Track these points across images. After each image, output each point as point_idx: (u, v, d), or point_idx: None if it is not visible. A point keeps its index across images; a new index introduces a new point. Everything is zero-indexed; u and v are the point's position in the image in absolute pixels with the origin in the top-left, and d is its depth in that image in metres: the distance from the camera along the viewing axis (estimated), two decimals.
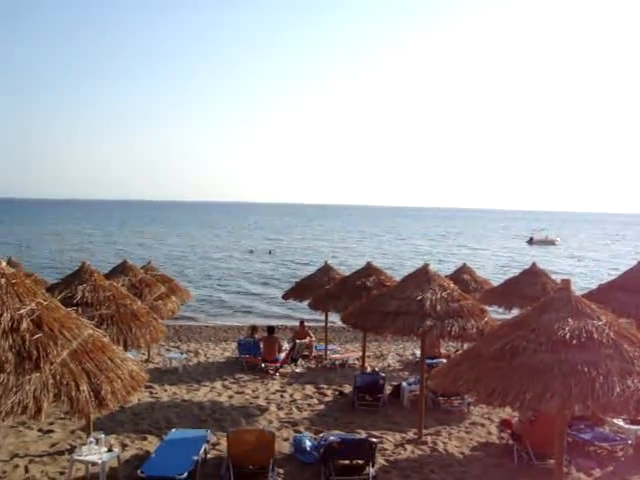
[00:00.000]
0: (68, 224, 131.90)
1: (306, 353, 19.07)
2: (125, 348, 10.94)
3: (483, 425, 13.20)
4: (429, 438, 12.26)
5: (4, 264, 7.19)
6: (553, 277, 19.94)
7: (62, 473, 10.28)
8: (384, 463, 10.95)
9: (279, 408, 14.31)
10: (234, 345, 21.38)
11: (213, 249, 79.76)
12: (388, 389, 15.08)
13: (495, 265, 61.98)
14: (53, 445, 11.64)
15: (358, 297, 16.54)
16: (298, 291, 21.37)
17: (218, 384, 16.42)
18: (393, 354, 21.43)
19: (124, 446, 11.53)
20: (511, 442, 11.45)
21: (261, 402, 14.78)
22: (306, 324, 21.67)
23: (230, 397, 15.20)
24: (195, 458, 9.89)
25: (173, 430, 11.70)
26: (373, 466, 10.22)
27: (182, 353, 19.91)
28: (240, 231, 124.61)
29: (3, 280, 6.94)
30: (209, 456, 10.98)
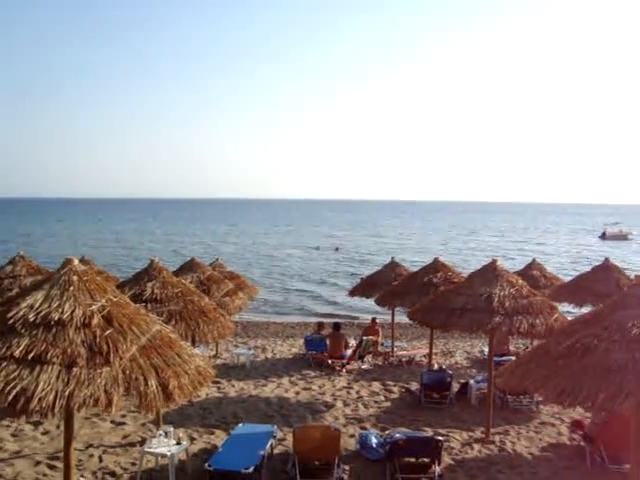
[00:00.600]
0: (129, 223, 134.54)
1: (372, 350, 19.02)
2: (193, 344, 11.11)
3: (553, 425, 12.89)
4: (497, 437, 12.06)
5: (76, 262, 7.40)
6: (627, 273, 19.31)
7: (133, 464, 10.58)
8: (450, 462, 10.83)
9: (345, 404, 14.31)
10: (301, 341, 21.50)
11: (277, 246, 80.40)
12: (455, 387, 14.90)
13: (565, 261, 60.51)
14: (125, 437, 11.97)
15: (425, 293, 16.42)
16: (365, 288, 21.32)
17: (285, 380, 16.53)
18: (461, 351, 21.18)
19: (192, 440, 11.75)
20: (583, 444, 11.14)
21: (327, 398, 14.82)
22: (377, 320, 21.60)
23: (297, 393, 15.29)
24: (261, 453, 9.98)
25: (240, 425, 11.84)
26: (439, 465, 10.11)
27: (249, 349, 20.13)
28: (303, 228, 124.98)
29: (75, 277, 7.14)
30: (275, 451, 11.08)
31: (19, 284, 17.75)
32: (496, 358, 14.28)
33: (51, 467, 10.51)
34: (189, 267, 18.79)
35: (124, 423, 12.65)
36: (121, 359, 6.56)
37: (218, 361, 18.76)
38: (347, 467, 10.50)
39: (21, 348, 6.33)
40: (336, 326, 19.09)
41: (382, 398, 14.86)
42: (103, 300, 7.04)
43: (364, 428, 12.53)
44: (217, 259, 23.37)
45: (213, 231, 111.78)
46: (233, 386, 15.78)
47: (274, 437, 11.12)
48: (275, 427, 11.59)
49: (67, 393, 6.11)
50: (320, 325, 20.95)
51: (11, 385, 6.04)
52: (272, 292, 40.41)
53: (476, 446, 11.63)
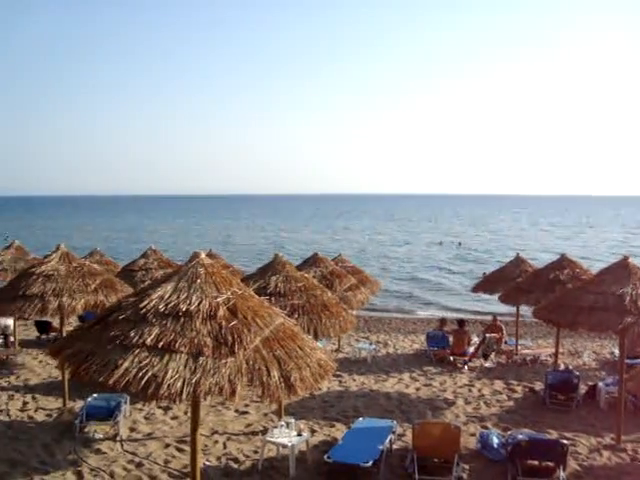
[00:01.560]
0: (243, 220, 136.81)
1: (495, 347, 18.61)
2: (315, 337, 11.28)
3: None
4: (629, 445, 11.44)
5: (203, 255, 7.70)
6: None
7: (255, 452, 10.87)
8: (577, 468, 10.39)
9: (466, 402, 14.09)
10: (423, 337, 21.37)
11: (395, 241, 79.94)
12: (583, 389, 14.33)
13: None
14: (248, 425, 12.33)
15: (551, 291, 15.95)
16: (488, 284, 20.91)
17: (406, 376, 16.48)
18: (589, 352, 20.29)
19: (313, 431, 11.93)
20: None
21: (448, 395, 14.64)
22: (499, 318, 21.16)
23: (417, 389, 15.20)
24: (381, 448, 9.99)
25: (360, 419, 11.91)
26: (564, 470, 9.74)
27: (371, 344, 20.19)
28: (417, 223, 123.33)
29: (202, 270, 7.45)
30: (394, 447, 11.05)
31: (151, 276, 18.74)
32: (628, 360, 13.63)
33: (179, 450, 11.01)
34: (312, 262, 19.10)
35: (247, 412, 13.03)
36: (245, 350, 6.78)
37: (340, 355, 18.94)
38: (467, 466, 10.34)
39: (152, 337, 6.69)
40: (460, 323, 18.83)
41: (504, 397, 14.51)
42: (228, 293, 7.30)
43: (485, 427, 12.29)
44: (340, 254, 23.56)
45: (329, 226, 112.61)
46: (354, 380, 15.89)
47: (394, 432, 11.11)
48: (395, 422, 11.58)
49: (194, 381, 6.40)
50: (443, 321, 20.73)
51: (143, 371, 6.39)
52: (394, 288, 40.27)
53: (605, 453, 11.10)
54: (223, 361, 6.60)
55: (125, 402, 12.21)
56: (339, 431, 11.96)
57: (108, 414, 11.67)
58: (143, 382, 6.34)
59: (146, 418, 12.65)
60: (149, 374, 6.38)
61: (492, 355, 18.29)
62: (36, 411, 13.10)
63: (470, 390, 15.13)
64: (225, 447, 11.21)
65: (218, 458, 10.68)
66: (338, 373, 15.86)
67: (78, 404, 13.05)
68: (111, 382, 6.40)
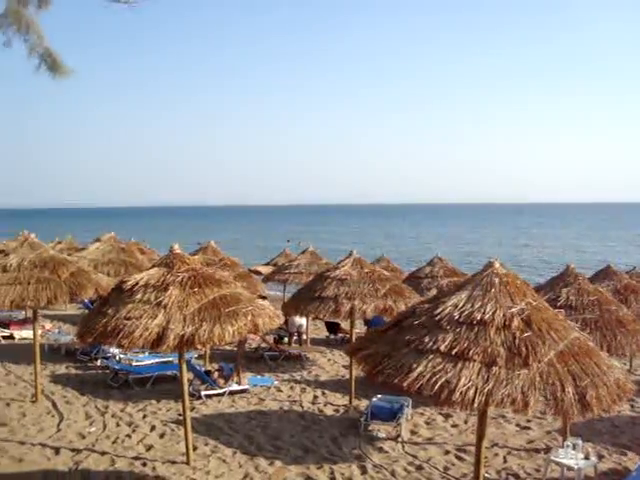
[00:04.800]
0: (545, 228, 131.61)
1: None
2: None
3: None
4: None
5: (497, 265, 7.70)
6: None
7: (537, 470, 10.55)
8: None
9: None
10: None
11: None
12: None
13: None
14: (530, 442, 11.99)
15: None
16: None
17: None
18: None
19: (600, 457, 11.22)
20: None
21: None
22: None
23: None
24: None
25: None
26: None
27: None
28: None
29: (497, 280, 7.48)
30: None
31: (436, 284, 19.14)
32: None
33: (459, 458, 11.05)
34: (604, 274, 18.09)
35: (529, 428, 12.66)
36: (539, 363, 6.68)
37: (632, 377, 17.60)
38: None
39: (446, 343, 6.88)
40: None
41: None
42: (523, 303, 7.24)
43: None
44: (634, 267, 21.85)
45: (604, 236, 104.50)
46: None
47: None
48: None
49: (486, 390, 6.45)
50: None
51: (437, 376, 6.60)
52: None
53: None
54: (516, 372, 6.56)
55: (408, 405, 12.60)
56: (631, 461, 11.10)
57: (391, 415, 12.15)
58: (436, 387, 6.53)
59: (427, 423, 12.90)
60: (442, 380, 6.56)
61: None
62: (325, 405, 14.05)
63: None
64: (505, 461, 11.02)
65: (498, 472, 10.54)
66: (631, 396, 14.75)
67: (363, 403, 13.72)
68: (405, 385, 6.69)
